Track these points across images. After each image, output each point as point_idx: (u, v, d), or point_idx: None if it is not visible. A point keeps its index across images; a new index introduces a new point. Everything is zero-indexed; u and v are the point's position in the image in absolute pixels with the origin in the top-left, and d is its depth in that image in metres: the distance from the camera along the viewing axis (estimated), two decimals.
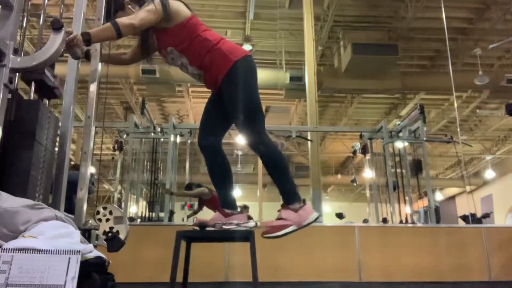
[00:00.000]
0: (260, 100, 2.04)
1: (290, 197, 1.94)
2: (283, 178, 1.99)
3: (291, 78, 8.75)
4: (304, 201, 1.95)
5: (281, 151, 2.06)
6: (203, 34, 2.00)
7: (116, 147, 6.36)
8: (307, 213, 1.91)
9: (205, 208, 6.84)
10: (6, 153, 1.73)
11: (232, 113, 1.99)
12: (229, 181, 2.09)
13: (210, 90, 2.15)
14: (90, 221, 1.96)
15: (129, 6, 2.07)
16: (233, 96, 1.97)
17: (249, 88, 2.00)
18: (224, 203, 2.05)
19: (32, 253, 1.14)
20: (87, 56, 2.14)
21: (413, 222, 5.84)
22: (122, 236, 1.92)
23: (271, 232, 1.89)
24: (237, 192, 13.50)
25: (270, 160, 1.99)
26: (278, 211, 1.96)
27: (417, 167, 6.01)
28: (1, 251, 1.14)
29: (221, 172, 2.09)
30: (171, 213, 5.71)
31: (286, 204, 1.94)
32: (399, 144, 6.34)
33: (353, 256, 4.01)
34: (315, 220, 1.92)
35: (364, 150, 6.67)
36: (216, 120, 2.10)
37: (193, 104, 11.13)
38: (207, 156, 2.08)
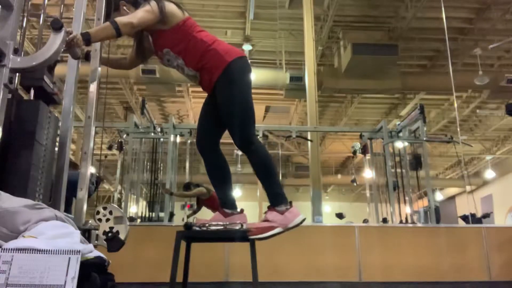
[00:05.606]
0: (253, 103, 2.04)
1: (277, 199, 1.95)
2: (271, 180, 1.99)
3: (291, 78, 8.75)
4: (290, 203, 1.95)
5: (269, 154, 2.06)
6: (198, 35, 2.02)
7: (116, 146, 6.35)
8: (293, 215, 1.91)
9: (205, 208, 6.84)
10: (6, 153, 1.73)
11: (223, 113, 2.01)
12: (228, 181, 2.10)
13: (205, 91, 2.17)
14: (90, 221, 1.96)
15: (124, 8, 2.08)
16: (225, 97, 1.99)
17: (242, 90, 2.00)
18: (224, 204, 2.05)
19: (32, 253, 1.14)
20: (87, 58, 2.15)
21: (413, 222, 5.84)
22: (122, 236, 1.92)
23: (256, 234, 1.89)
24: (236, 192, 13.50)
25: (259, 163, 2.00)
26: (265, 213, 1.96)
27: (416, 162, 5.98)
28: (1, 251, 1.14)
29: (220, 172, 2.10)
30: (171, 214, 5.71)
31: (272, 206, 1.94)
32: (399, 144, 6.34)
33: (353, 256, 4.01)
34: (301, 222, 1.92)
35: (364, 150, 6.67)
36: (213, 122, 2.11)
37: (193, 104, 11.13)
38: (206, 158, 2.09)
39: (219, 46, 2.02)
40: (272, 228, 1.88)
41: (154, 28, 2.01)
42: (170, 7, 2.00)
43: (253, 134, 2.01)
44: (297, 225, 1.91)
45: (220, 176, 2.10)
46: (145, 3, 1.98)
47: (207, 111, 2.14)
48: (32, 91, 1.94)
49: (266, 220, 1.92)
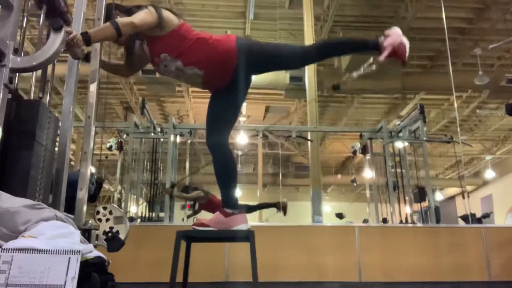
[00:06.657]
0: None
1: None
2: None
3: (291, 78, 8.73)
4: None
5: None
6: (196, 36, 2.05)
7: (116, 146, 6.35)
8: None
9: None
10: (6, 153, 1.73)
11: (270, 64, 2.20)
12: (234, 181, 2.09)
13: (209, 91, 2.17)
14: (90, 221, 1.96)
15: (119, 17, 2.08)
16: (260, 55, 2.10)
17: (262, 44, 2.19)
18: (226, 203, 2.05)
19: (32, 253, 1.14)
20: (87, 59, 2.15)
21: (413, 222, 5.84)
22: (122, 236, 1.92)
23: None
24: (237, 192, 13.49)
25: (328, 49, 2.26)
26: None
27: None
28: (1, 251, 1.14)
29: (228, 171, 2.08)
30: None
31: None
32: (399, 144, 6.34)
33: (353, 256, 4.01)
34: None
35: (364, 150, 6.67)
36: (221, 119, 2.12)
37: (193, 104, 11.13)
38: (216, 155, 2.07)
39: (217, 36, 2.07)
40: None
41: (151, 34, 2.02)
42: (167, 13, 2.04)
43: (305, 49, 2.30)
44: None
45: (227, 174, 2.08)
46: (143, 8, 2.00)
47: (215, 107, 2.14)
48: (44, 8, 1.96)
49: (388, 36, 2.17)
